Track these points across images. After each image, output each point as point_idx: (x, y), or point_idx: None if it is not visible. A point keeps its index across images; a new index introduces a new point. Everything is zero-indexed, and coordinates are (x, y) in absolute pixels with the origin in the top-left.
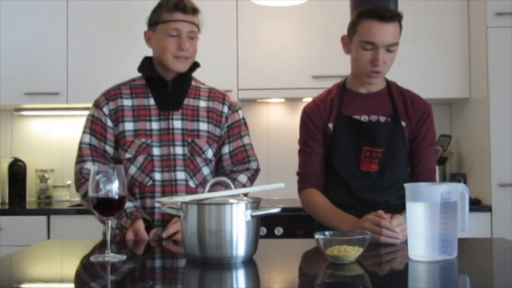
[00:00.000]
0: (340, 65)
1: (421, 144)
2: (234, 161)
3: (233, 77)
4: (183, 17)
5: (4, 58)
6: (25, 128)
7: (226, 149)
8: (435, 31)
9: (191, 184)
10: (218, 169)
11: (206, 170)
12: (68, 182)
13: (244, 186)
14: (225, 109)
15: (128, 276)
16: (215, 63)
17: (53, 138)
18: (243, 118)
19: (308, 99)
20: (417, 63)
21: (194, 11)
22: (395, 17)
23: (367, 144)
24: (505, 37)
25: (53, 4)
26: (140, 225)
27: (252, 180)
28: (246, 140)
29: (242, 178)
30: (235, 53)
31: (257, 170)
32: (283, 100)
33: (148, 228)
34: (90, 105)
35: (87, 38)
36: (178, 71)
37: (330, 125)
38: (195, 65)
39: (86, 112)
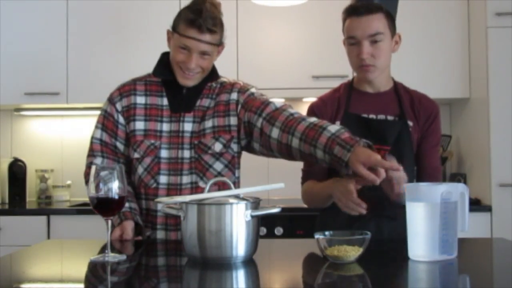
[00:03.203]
0: (340, 65)
1: (426, 143)
2: (265, 115)
3: (233, 77)
4: (197, 35)
5: (4, 58)
6: (25, 128)
7: (253, 118)
8: (435, 31)
9: (202, 184)
10: (263, 138)
11: (218, 166)
12: (68, 182)
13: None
14: (234, 96)
15: (128, 276)
16: (215, 63)
17: (53, 138)
18: (253, 93)
19: (308, 99)
20: (417, 63)
21: (211, 31)
22: (372, 9)
23: (375, 142)
24: (505, 37)
25: (53, 4)
26: (128, 224)
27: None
28: (257, 94)
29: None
30: (235, 53)
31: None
32: (283, 100)
33: (138, 233)
34: (90, 105)
35: (87, 38)
36: (184, 85)
37: (337, 123)
38: (214, 75)
39: (86, 112)
